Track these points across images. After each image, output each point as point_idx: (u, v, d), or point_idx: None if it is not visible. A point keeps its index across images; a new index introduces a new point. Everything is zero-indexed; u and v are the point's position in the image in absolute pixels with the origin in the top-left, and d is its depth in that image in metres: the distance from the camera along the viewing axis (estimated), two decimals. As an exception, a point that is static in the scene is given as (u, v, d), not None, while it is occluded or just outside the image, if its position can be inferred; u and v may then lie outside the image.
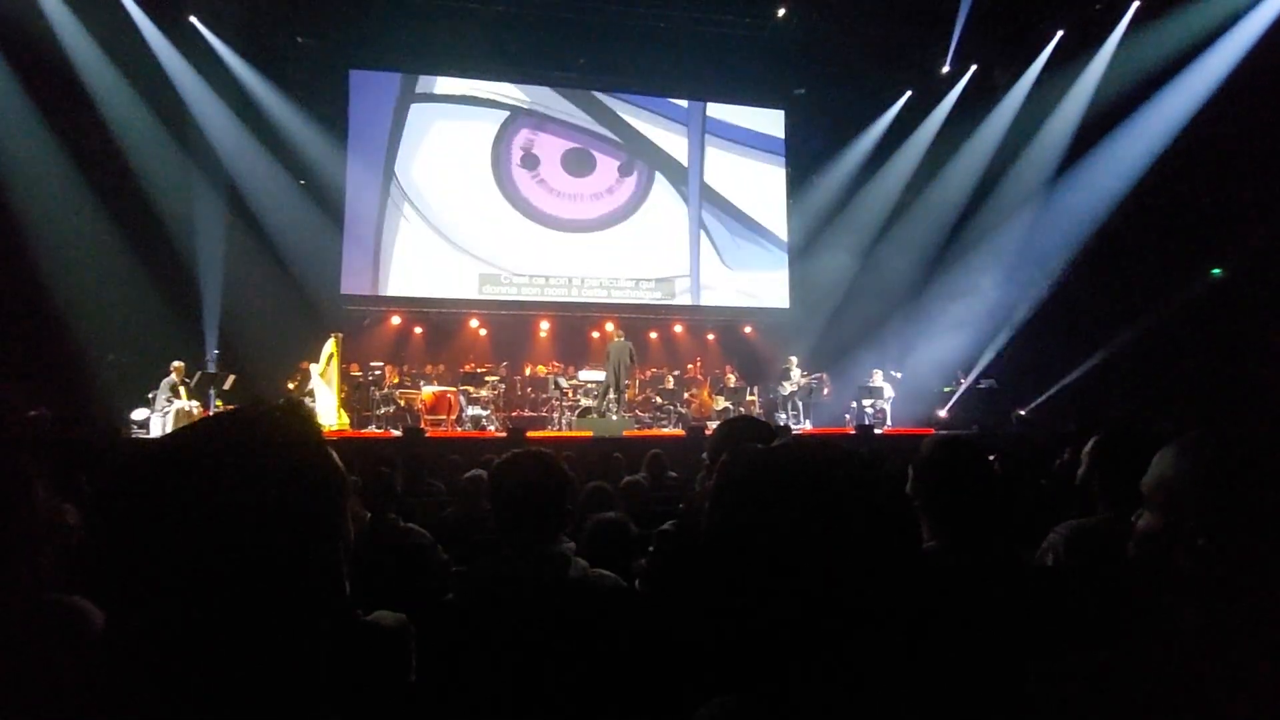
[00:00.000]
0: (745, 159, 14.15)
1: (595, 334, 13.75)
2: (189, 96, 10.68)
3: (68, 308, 9.11)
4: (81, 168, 9.46)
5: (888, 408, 11.07)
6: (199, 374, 9.28)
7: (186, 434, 0.63)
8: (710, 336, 14.67)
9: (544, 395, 11.69)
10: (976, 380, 11.45)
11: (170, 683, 0.55)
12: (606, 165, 13.61)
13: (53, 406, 7.72)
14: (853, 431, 9.16)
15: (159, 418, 8.66)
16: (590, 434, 8.84)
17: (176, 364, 8.82)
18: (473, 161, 13.01)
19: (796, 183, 14.33)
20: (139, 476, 0.59)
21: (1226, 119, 9.11)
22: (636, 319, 13.53)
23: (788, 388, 11.36)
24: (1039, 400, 10.82)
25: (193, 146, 10.79)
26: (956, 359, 11.72)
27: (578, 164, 13.49)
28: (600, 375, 10.77)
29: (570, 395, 11.09)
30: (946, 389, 11.76)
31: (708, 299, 13.89)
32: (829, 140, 13.86)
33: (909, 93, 12.98)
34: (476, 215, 12.94)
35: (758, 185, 14.16)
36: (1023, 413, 10.44)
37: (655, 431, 10.43)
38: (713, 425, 9.41)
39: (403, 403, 10.79)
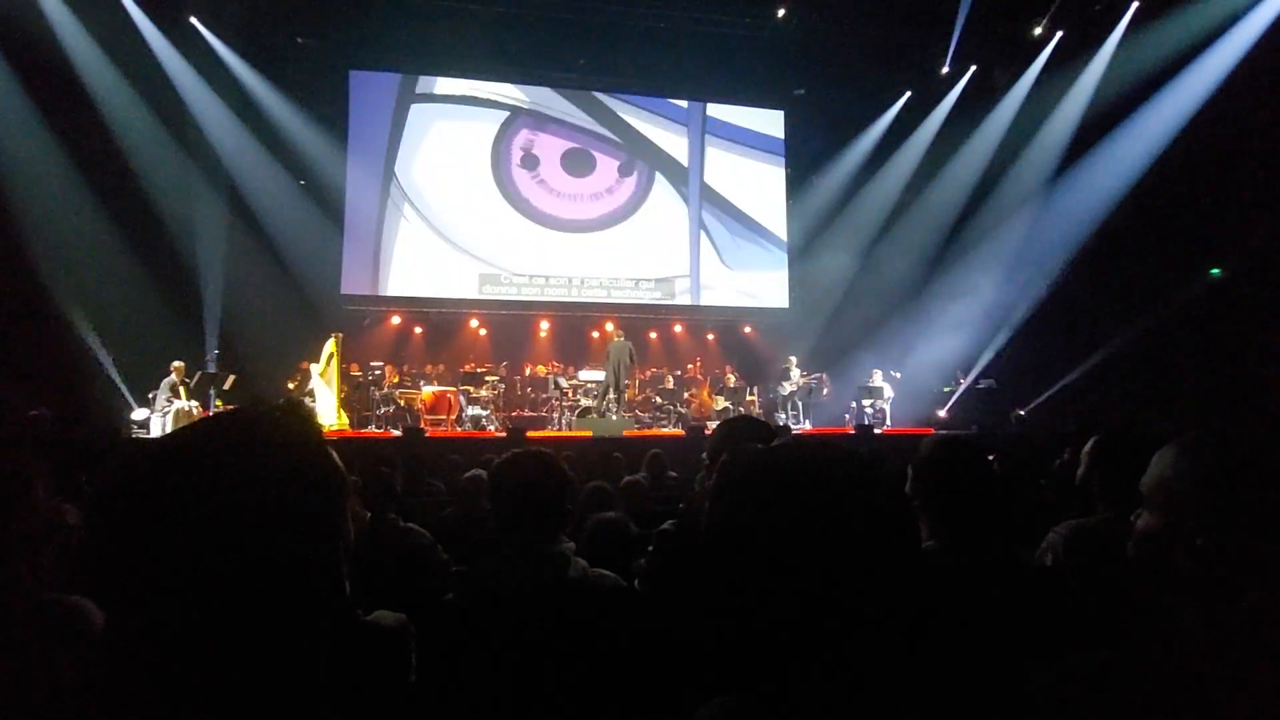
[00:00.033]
0: (745, 159, 14.15)
1: (595, 334, 13.75)
2: (189, 96, 10.68)
3: (68, 308, 9.12)
4: (81, 168, 9.46)
5: (887, 408, 11.07)
6: (199, 374, 9.28)
7: (186, 434, 0.63)
8: (710, 336, 14.68)
9: (544, 395, 11.69)
10: (976, 380, 11.45)
11: (170, 683, 0.55)
12: (606, 165, 13.61)
13: (53, 406, 7.72)
14: (852, 431, 9.16)
15: (159, 418, 8.66)
16: (590, 434, 8.84)
17: (176, 364, 8.83)
18: (472, 162, 13.01)
19: (796, 183, 14.33)
20: (139, 476, 0.59)
21: (1226, 119, 9.12)
22: (636, 319, 13.53)
23: (787, 388, 11.36)
24: (1038, 400, 10.82)
25: (193, 147, 10.79)
26: (956, 359, 11.73)
27: (578, 164, 13.49)
28: (600, 375, 10.77)
29: (570, 395, 11.09)
30: (946, 389, 11.76)
31: (708, 299, 13.88)
32: (829, 141, 13.86)
33: (908, 93, 12.98)
34: (476, 215, 12.94)
35: (758, 185, 14.16)
36: (1022, 413, 10.44)
37: (655, 431, 10.43)
38: (713, 425, 9.40)
39: (402, 403, 10.79)
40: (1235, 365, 8.97)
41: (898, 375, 11.51)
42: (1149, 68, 9.84)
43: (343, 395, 9.83)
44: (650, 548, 2.06)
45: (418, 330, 13.45)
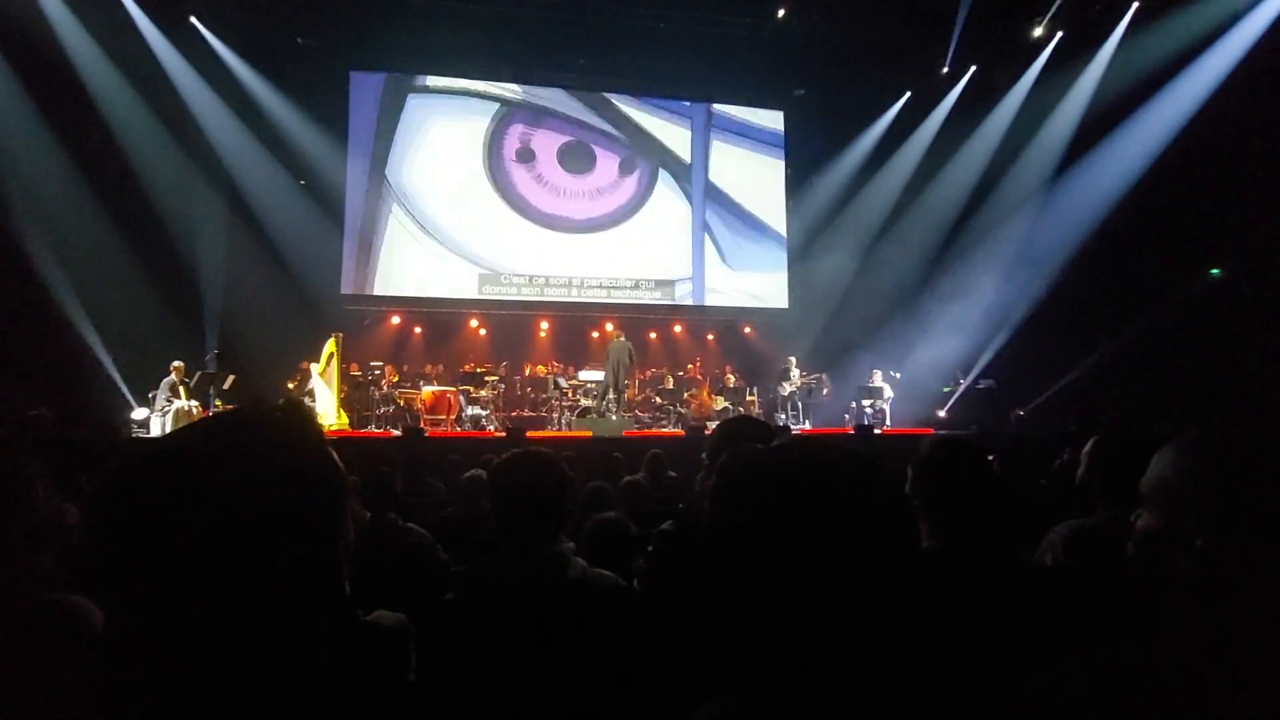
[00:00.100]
0: (750, 152, 14.10)
1: (595, 334, 13.75)
2: (189, 96, 10.69)
3: (68, 308, 9.12)
4: (81, 168, 9.46)
5: (887, 408, 11.07)
6: (199, 374, 9.29)
7: (186, 434, 0.63)
8: (710, 337, 14.67)
9: (544, 395, 11.68)
10: (976, 380, 11.45)
11: (170, 683, 0.55)
12: (606, 162, 13.59)
13: (53, 406, 7.72)
14: (852, 431, 9.16)
15: (159, 418, 8.67)
16: (590, 434, 8.84)
17: (176, 364, 8.83)
18: (471, 162, 13.00)
19: (796, 183, 14.33)
20: (139, 476, 0.59)
21: (1225, 120, 9.12)
22: (636, 319, 13.53)
23: (787, 388, 11.36)
24: (1038, 400, 10.82)
25: (193, 147, 10.79)
26: (956, 359, 11.73)
27: (576, 160, 13.47)
28: (600, 375, 10.77)
29: (570, 395, 11.09)
30: (946, 389, 11.76)
31: (709, 299, 13.88)
32: (829, 141, 13.86)
33: (908, 93, 12.98)
34: (476, 215, 12.93)
35: (760, 180, 14.11)
36: (1022, 413, 10.44)
37: (655, 431, 10.43)
38: (712, 425, 9.40)
39: (402, 403, 10.79)
40: (1235, 365, 8.97)
41: (897, 375, 11.51)
42: (1149, 68, 9.84)
43: (343, 395, 9.83)
44: (650, 548, 2.06)
45: (417, 330, 13.44)
